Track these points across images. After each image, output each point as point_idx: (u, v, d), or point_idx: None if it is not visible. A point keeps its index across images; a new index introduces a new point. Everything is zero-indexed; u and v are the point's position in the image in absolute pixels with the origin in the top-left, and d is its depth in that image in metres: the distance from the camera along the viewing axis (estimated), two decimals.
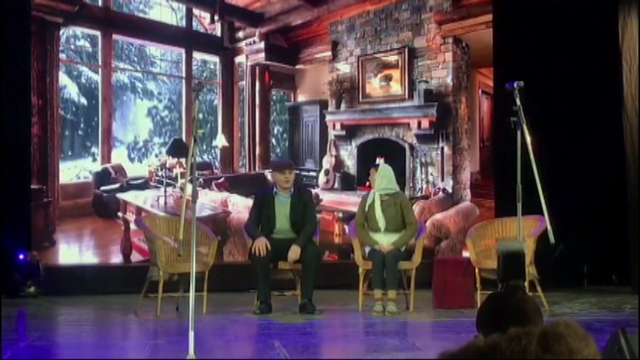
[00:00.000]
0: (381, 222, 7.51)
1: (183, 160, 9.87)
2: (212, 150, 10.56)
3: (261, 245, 7.25)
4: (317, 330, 6.67)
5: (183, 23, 10.68)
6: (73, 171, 9.84)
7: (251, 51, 10.70)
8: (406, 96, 10.42)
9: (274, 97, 10.97)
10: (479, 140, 10.51)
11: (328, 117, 10.64)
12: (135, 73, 10.40)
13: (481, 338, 1.49)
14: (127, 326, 7.28)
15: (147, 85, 10.43)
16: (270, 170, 7.72)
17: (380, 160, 7.62)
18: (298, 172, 10.34)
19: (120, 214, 9.85)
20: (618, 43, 8.98)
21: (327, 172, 10.51)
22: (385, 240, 7.46)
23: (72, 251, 9.68)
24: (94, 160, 9.91)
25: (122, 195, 9.87)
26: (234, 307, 7.78)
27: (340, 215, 10.14)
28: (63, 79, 9.75)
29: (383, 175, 7.60)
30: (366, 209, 7.60)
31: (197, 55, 10.75)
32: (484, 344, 1.45)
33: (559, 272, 9.28)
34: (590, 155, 9.50)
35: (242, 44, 10.73)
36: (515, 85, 5.13)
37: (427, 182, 10.31)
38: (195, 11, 10.71)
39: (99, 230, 9.81)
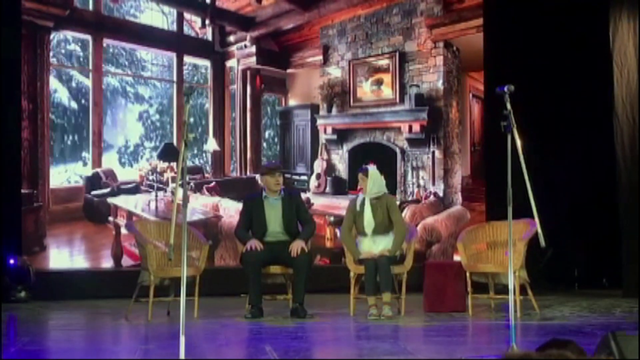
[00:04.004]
0: (370, 226, 7.43)
1: (174, 164, 9.86)
2: (203, 154, 10.54)
3: (256, 242, 7.26)
4: (309, 335, 6.66)
5: (174, 27, 10.67)
6: (64, 175, 9.82)
7: (242, 55, 10.70)
8: (397, 100, 10.43)
9: (265, 101, 10.97)
10: (470, 144, 10.53)
11: (319, 121, 10.65)
12: (126, 77, 10.39)
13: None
14: (118, 331, 7.25)
15: (138, 90, 10.42)
16: (260, 174, 7.69)
17: (371, 165, 7.55)
18: (289, 175, 10.36)
19: (111, 218, 9.83)
20: (609, 46, 9.01)
21: (318, 176, 10.51)
22: (373, 246, 7.40)
23: (63, 256, 9.65)
24: (85, 164, 9.89)
25: (113, 200, 9.85)
26: (225, 312, 7.77)
27: (332, 219, 10.14)
28: (54, 83, 9.73)
29: (374, 180, 7.53)
30: (357, 210, 7.52)
31: (188, 59, 10.74)
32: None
33: (550, 276, 9.31)
34: (581, 159, 9.53)
35: (233, 48, 10.73)
36: (505, 89, 5.11)
37: (418, 186, 10.33)
38: (186, 15, 10.71)
39: (90, 235, 9.78)
